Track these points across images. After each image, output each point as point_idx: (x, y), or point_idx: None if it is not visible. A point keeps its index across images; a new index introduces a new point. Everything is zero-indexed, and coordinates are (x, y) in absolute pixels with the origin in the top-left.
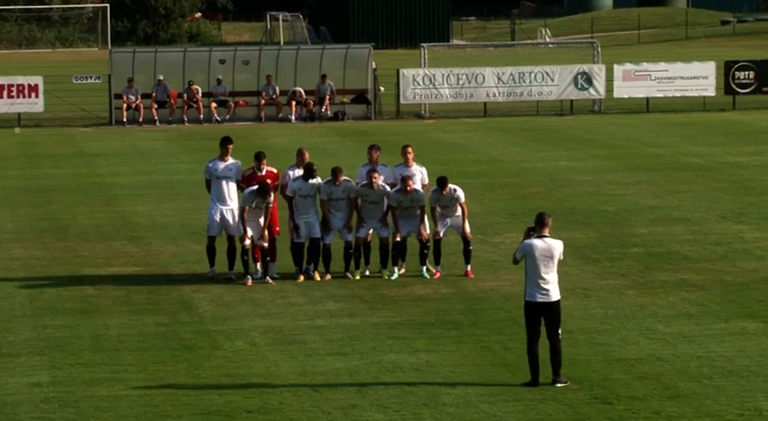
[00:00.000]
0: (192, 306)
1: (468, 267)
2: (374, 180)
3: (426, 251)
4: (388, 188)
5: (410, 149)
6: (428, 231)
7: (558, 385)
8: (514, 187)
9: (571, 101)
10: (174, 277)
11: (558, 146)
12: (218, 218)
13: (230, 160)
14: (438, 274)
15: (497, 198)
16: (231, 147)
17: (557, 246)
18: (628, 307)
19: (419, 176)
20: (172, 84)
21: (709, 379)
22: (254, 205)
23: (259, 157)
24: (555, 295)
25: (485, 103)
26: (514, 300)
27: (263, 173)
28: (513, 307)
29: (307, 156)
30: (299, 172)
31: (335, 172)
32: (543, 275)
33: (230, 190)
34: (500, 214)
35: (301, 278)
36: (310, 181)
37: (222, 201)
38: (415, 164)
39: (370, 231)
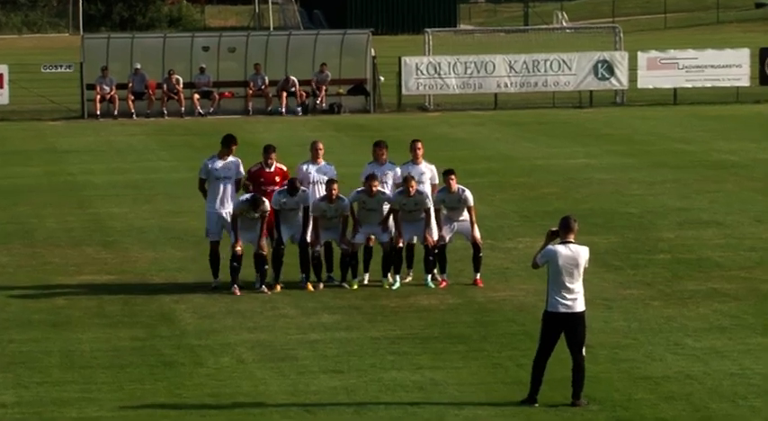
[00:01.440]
0: (172, 318)
1: (478, 275)
2: (373, 187)
3: (432, 258)
4: (387, 193)
5: (420, 145)
6: (434, 236)
7: (578, 406)
8: (527, 187)
9: (590, 92)
10: (153, 286)
11: (576, 141)
12: (217, 220)
13: (230, 158)
14: (444, 283)
15: (509, 199)
16: (235, 148)
17: (583, 254)
18: (653, 319)
19: (428, 175)
20: (150, 73)
21: (744, 399)
22: (247, 215)
23: (267, 151)
24: (579, 306)
25: (495, 94)
26: (528, 311)
27: (272, 169)
28: (527, 319)
29: (320, 147)
30: (313, 167)
31: (329, 185)
32: (568, 285)
33: (229, 192)
34: (512, 217)
35: (309, 287)
36: (296, 195)
37: (220, 203)
38: (424, 161)
39: (372, 236)
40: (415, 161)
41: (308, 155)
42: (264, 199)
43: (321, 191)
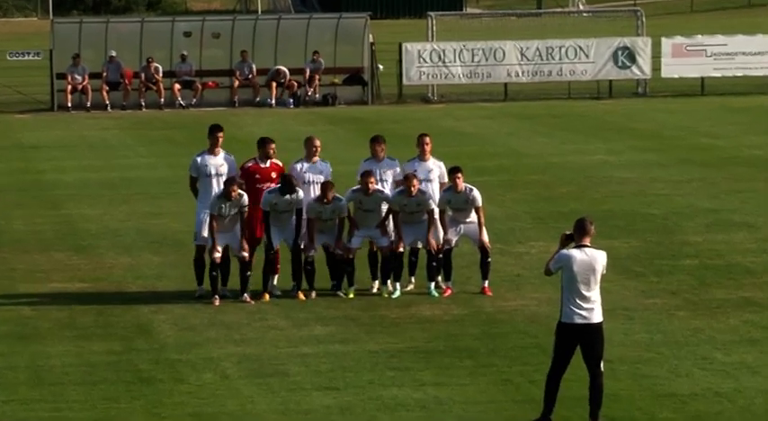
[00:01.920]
0: (150, 330)
1: (486, 283)
2: (370, 184)
3: (435, 264)
4: (387, 192)
5: (428, 140)
6: (439, 240)
7: None
8: (541, 186)
9: (610, 81)
10: (129, 295)
11: (594, 136)
12: (208, 223)
13: (222, 154)
14: (449, 292)
15: (520, 199)
16: (221, 136)
17: (600, 259)
18: (679, 331)
19: (437, 172)
20: (126, 61)
21: None
22: (224, 212)
23: (264, 144)
24: (597, 316)
25: (505, 85)
26: (541, 322)
27: (268, 165)
28: (540, 331)
29: (317, 144)
30: (308, 165)
31: (325, 188)
32: (583, 293)
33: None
34: (524, 219)
35: (301, 296)
36: (288, 196)
37: None
38: (432, 158)
39: (380, 241)
40: (422, 157)
41: (301, 151)
42: (236, 185)
43: (317, 191)
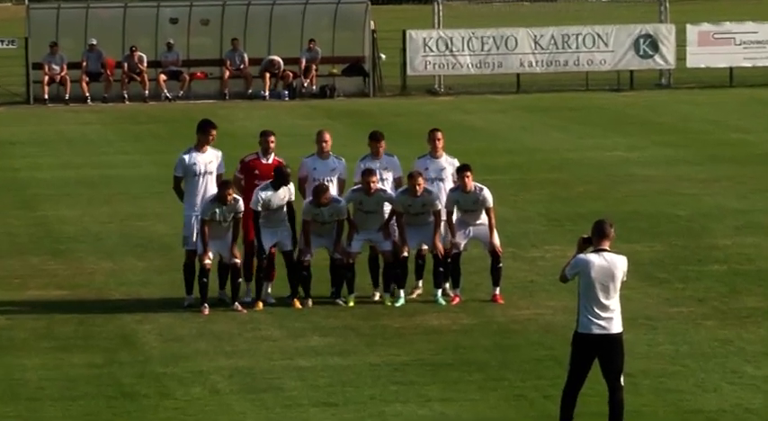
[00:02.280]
0: (134, 341)
1: (497, 290)
2: (371, 184)
3: (442, 269)
4: (389, 191)
5: (440, 135)
6: (447, 244)
7: None
8: (557, 185)
9: (631, 72)
10: (112, 303)
11: (614, 130)
12: (198, 226)
13: (210, 150)
14: (457, 299)
15: (534, 199)
16: (215, 134)
17: (619, 264)
18: (706, 342)
19: (449, 170)
20: (108, 50)
21: None
22: (217, 218)
23: (267, 133)
24: (616, 326)
25: (518, 75)
26: (557, 332)
27: (270, 161)
28: (556, 342)
29: (326, 138)
30: (320, 163)
31: (318, 192)
32: (602, 301)
33: (211, 188)
34: (538, 221)
35: (297, 304)
36: (282, 189)
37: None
38: (445, 154)
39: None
40: (433, 154)
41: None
42: (232, 189)
43: (330, 190)
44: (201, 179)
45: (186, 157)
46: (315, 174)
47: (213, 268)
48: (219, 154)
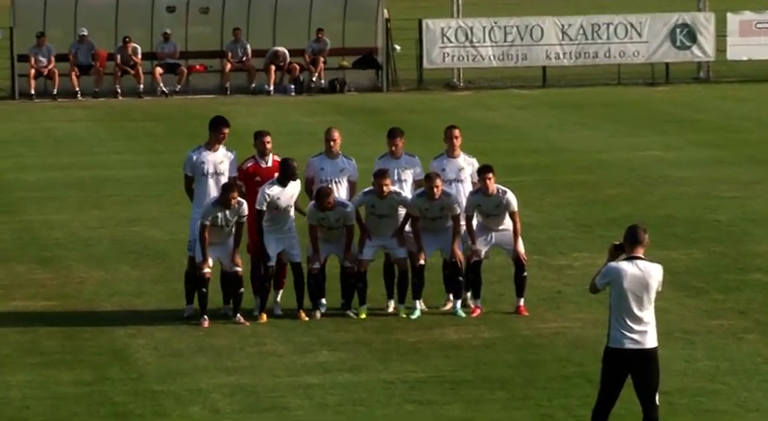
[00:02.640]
0: (127, 356)
1: (521, 301)
2: (384, 187)
3: (461, 279)
4: (404, 194)
5: (457, 133)
6: (477, 251)
7: None
8: (586, 187)
9: (666, 64)
10: (103, 315)
11: (648, 128)
12: (199, 233)
13: (222, 150)
14: (478, 311)
15: (562, 203)
16: (227, 132)
17: (654, 273)
18: (748, 358)
19: (468, 171)
20: (99, 41)
21: None
22: (220, 222)
23: (262, 133)
24: (651, 341)
25: (543, 68)
26: (586, 347)
27: (270, 165)
28: (586, 358)
29: (335, 137)
30: (328, 163)
31: (320, 196)
32: (635, 313)
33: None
34: (566, 226)
35: (303, 316)
36: (290, 185)
37: None
38: (463, 154)
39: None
40: (450, 153)
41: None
42: (236, 192)
43: (337, 192)
44: (210, 180)
45: (194, 155)
46: (322, 174)
47: (215, 278)
48: (232, 155)
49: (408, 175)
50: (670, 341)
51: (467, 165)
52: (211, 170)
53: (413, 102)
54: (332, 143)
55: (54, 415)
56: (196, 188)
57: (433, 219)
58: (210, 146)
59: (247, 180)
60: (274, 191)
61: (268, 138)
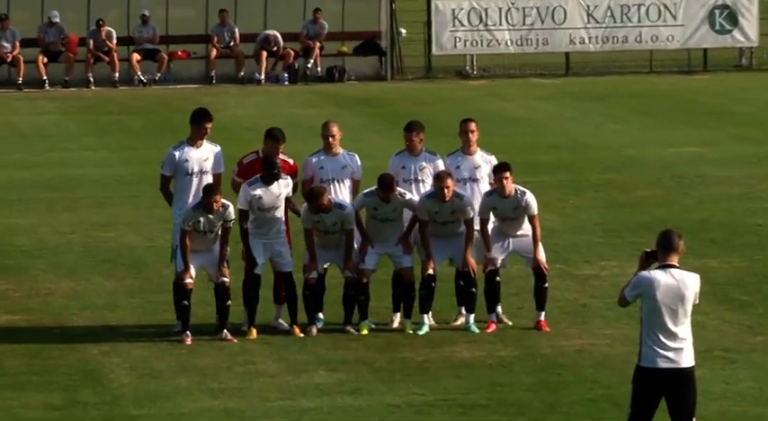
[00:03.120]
0: (100, 377)
1: (542, 315)
2: (391, 195)
3: (475, 290)
4: (410, 196)
5: (473, 126)
6: (491, 259)
7: None
8: (614, 187)
9: (704, 50)
10: (73, 331)
11: (684, 122)
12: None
13: (206, 145)
14: (492, 327)
15: (587, 205)
16: (210, 127)
17: (690, 284)
18: None
19: (485, 170)
20: (70, 25)
21: None
22: (202, 228)
23: (275, 137)
24: (687, 359)
25: (566, 54)
26: (614, 367)
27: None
28: (614, 379)
29: (334, 131)
30: (328, 160)
31: (312, 196)
32: (670, 328)
33: None
34: (592, 231)
35: (297, 332)
36: (275, 185)
37: None
38: (480, 150)
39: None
40: (466, 149)
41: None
42: (219, 195)
43: (340, 192)
44: (195, 179)
45: (176, 153)
46: (322, 174)
47: (204, 289)
48: (217, 150)
49: (427, 175)
50: (709, 360)
51: (484, 162)
52: (196, 168)
53: (420, 92)
54: (331, 139)
55: None
56: (177, 189)
57: (443, 223)
58: (193, 142)
59: (248, 175)
60: (256, 190)
61: (283, 148)
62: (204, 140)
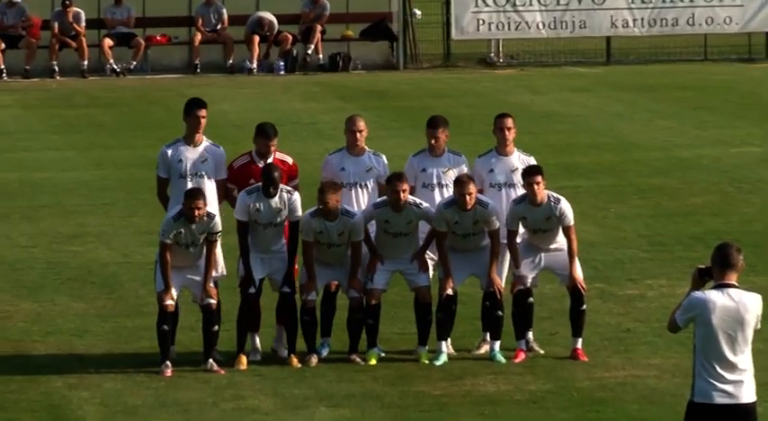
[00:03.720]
0: (66, 413)
1: (579, 343)
2: (401, 194)
3: (501, 313)
4: (426, 206)
5: (510, 122)
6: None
7: None
8: (663, 194)
9: (767, 34)
10: (36, 360)
11: (744, 118)
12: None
13: (205, 143)
14: (521, 356)
15: (632, 214)
16: (203, 115)
17: (751, 306)
18: None
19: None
20: (32, 5)
21: None
22: (183, 241)
23: (266, 133)
24: (747, 394)
25: (608, 39)
26: (664, 402)
27: (270, 161)
28: (663, 416)
29: (363, 127)
30: (350, 161)
31: (324, 188)
32: (728, 357)
33: (207, 197)
34: (637, 245)
35: (294, 361)
36: (275, 199)
37: None
38: (517, 150)
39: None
40: (501, 150)
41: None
42: (201, 201)
43: (361, 199)
44: (189, 183)
45: (169, 151)
46: (343, 176)
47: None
48: (220, 152)
49: (450, 179)
50: None
51: (521, 164)
52: (191, 170)
53: (437, 83)
54: (357, 135)
55: None
56: (172, 194)
57: (464, 235)
58: (190, 139)
59: (239, 182)
60: (254, 203)
61: (275, 142)
62: (204, 139)
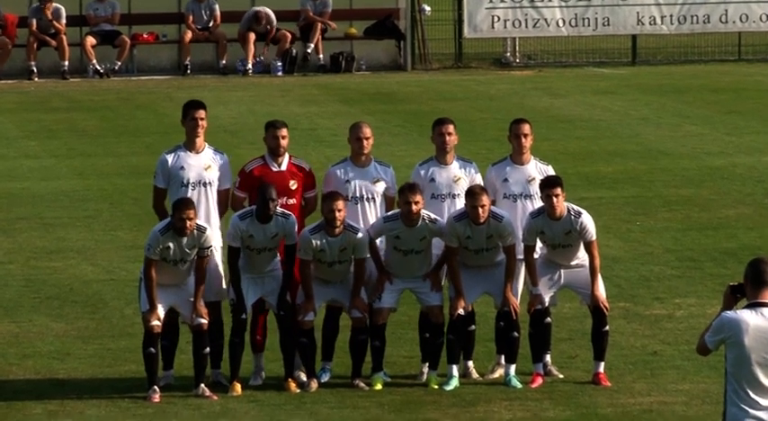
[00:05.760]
0: None
1: (601, 367)
2: (413, 206)
3: (517, 334)
4: (442, 222)
5: (527, 129)
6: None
7: None
8: (693, 206)
9: None
10: (12, 386)
11: None
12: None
13: (207, 149)
14: (539, 380)
15: (659, 228)
16: (202, 117)
17: None
18: None
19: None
20: (7, 1)
21: None
22: (172, 257)
23: (274, 123)
24: None
25: (633, 38)
26: None
27: (283, 168)
28: None
29: (369, 134)
30: (355, 172)
31: (329, 198)
32: (762, 382)
33: (212, 210)
34: (664, 260)
35: (292, 386)
36: (271, 224)
37: None
38: (534, 159)
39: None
40: (517, 158)
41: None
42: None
43: (369, 213)
44: (192, 193)
45: (169, 158)
46: (348, 188)
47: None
48: (224, 159)
49: (461, 189)
50: None
51: (539, 174)
52: (193, 178)
53: (448, 85)
54: (364, 143)
55: None
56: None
57: (476, 251)
58: (190, 145)
59: (252, 188)
60: (247, 226)
61: (284, 132)
62: (206, 145)
